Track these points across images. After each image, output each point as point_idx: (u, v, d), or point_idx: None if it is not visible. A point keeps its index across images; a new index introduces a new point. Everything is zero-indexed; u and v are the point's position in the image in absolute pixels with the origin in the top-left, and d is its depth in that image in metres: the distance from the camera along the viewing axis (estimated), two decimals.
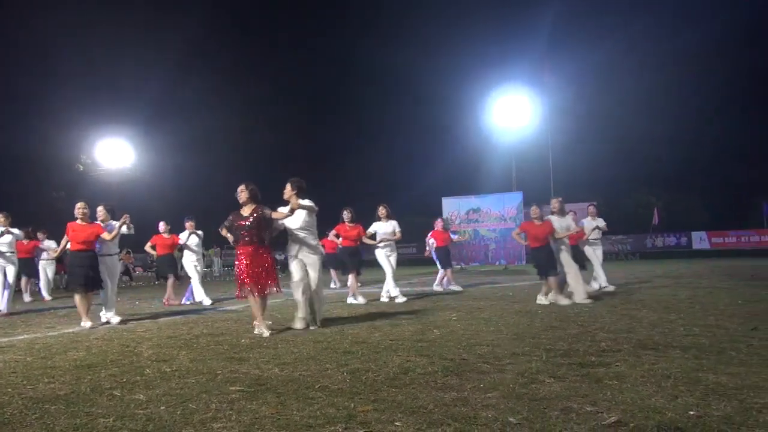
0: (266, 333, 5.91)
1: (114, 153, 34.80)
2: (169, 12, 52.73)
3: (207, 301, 10.33)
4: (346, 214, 9.74)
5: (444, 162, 44.39)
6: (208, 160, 44.44)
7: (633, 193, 41.95)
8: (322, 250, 6.49)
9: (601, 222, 10.67)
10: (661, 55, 44.80)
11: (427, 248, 12.66)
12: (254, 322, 6.19)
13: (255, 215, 6.18)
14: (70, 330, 7.05)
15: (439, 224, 12.68)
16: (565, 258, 8.51)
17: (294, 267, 6.52)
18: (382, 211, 9.88)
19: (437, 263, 12.28)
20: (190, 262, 10.82)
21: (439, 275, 12.05)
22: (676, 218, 36.98)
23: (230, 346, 5.35)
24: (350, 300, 9.45)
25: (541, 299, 8.25)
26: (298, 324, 6.34)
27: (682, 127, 41.98)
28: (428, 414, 2.98)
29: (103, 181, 36.46)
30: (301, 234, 6.52)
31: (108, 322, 7.63)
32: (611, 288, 10.20)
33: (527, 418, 2.86)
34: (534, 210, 8.66)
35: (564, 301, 8.05)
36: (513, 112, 29.82)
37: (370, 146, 54.53)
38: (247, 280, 6.08)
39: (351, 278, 9.59)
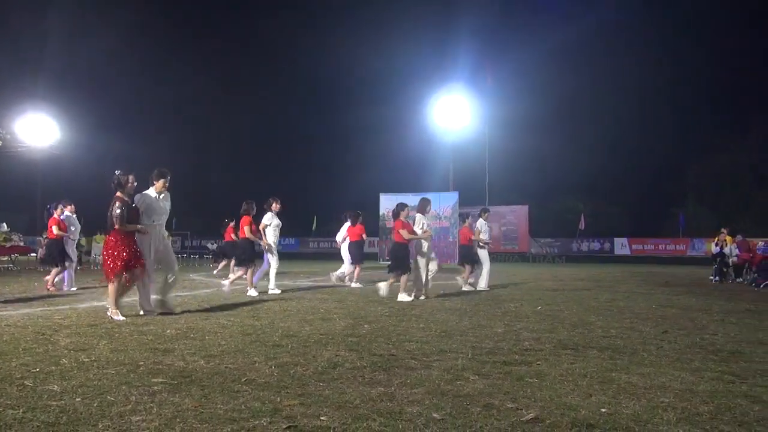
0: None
1: (37, 129, 32.87)
2: None
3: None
4: (244, 207, 9.64)
5: (384, 160, 44.57)
6: (141, 140, 42.71)
7: (562, 198, 43.58)
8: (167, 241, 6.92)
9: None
10: (590, 67, 46.71)
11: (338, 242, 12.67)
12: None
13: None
14: None
15: (350, 219, 12.30)
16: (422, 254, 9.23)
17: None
18: (275, 206, 9.94)
19: (348, 258, 12.19)
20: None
21: (348, 270, 12.14)
22: (601, 225, 38.73)
23: (155, 336, 5.18)
24: (250, 292, 9.28)
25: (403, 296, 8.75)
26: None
27: (609, 138, 44.05)
28: (354, 409, 3.00)
29: (24, 158, 34.42)
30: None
31: None
32: (482, 288, 10.83)
33: (450, 414, 2.94)
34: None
35: (399, 295, 8.70)
36: (453, 114, 30.30)
37: (312, 144, 54.12)
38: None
39: (248, 271, 9.54)
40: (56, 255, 10.28)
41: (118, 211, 6.40)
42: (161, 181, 6.91)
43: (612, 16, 49.05)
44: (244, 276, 9.67)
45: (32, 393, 3.24)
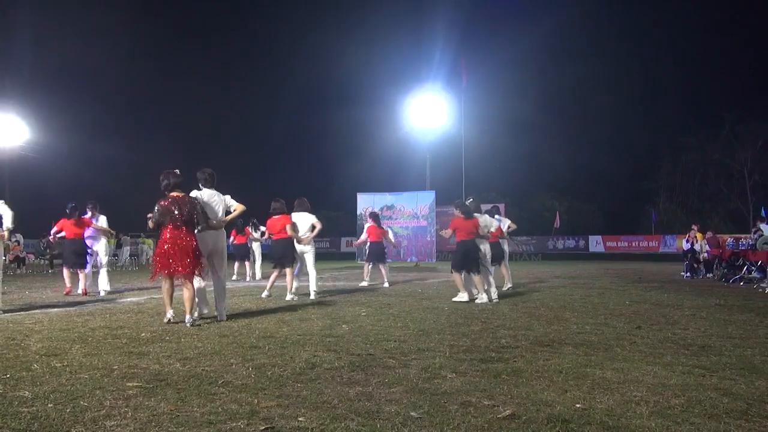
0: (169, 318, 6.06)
1: (5, 129, 32.09)
2: None
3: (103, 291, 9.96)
4: (277, 205, 9.20)
5: (361, 160, 44.60)
6: (116, 140, 42.03)
7: (538, 196, 44.11)
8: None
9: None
10: (565, 69, 47.49)
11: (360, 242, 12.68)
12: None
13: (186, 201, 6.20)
14: None
15: (370, 219, 12.47)
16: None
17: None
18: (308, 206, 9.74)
19: (368, 258, 12.20)
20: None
21: (367, 270, 12.11)
22: (576, 223, 39.33)
23: (129, 339, 5.11)
24: (288, 297, 8.94)
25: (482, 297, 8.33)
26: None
27: (584, 137, 44.81)
28: (332, 409, 3.00)
29: None
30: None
31: None
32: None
33: (428, 412, 2.95)
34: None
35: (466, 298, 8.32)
36: (430, 113, 30.41)
37: (289, 144, 53.90)
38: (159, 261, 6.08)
39: (288, 272, 9.27)
40: (81, 255, 9.85)
41: (200, 206, 6.23)
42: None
43: (586, 17, 49.86)
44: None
45: (2, 399, 3.17)
